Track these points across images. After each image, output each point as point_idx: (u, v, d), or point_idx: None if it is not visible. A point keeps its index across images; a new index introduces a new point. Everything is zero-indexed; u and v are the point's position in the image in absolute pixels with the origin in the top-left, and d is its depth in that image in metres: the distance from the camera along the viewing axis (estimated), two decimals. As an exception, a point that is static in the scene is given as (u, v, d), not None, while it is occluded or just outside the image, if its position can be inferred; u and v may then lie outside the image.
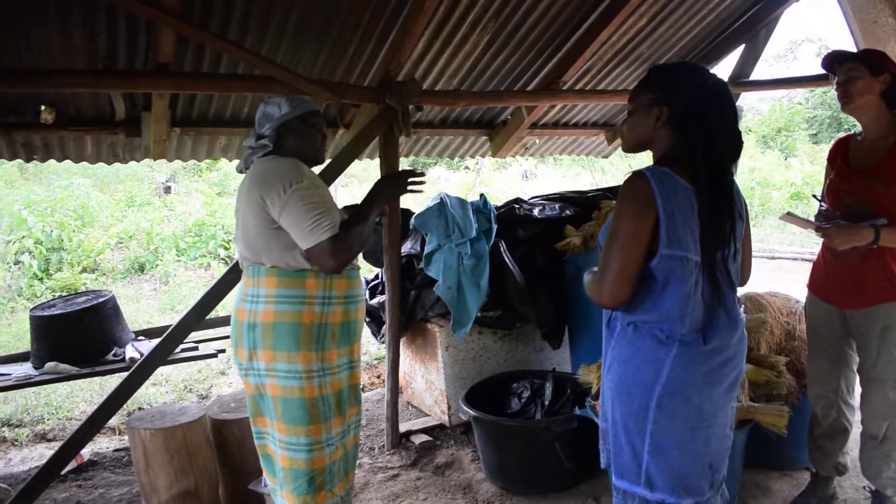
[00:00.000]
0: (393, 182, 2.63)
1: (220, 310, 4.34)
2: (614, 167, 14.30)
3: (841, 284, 2.73)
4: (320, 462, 2.34)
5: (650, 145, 1.96)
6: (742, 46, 4.53)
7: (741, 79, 4.59)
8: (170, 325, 3.46)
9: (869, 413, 2.74)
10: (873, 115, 2.64)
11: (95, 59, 3.11)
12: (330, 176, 3.55)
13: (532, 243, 3.93)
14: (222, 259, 9.76)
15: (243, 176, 2.45)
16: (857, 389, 2.88)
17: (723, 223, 1.85)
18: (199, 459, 3.06)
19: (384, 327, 4.10)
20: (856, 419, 2.92)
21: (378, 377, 5.37)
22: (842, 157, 2.78)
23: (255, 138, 2.45)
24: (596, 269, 2.05)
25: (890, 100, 2.62)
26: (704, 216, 1.81)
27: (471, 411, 3.30)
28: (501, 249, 3.73)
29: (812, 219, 2.73)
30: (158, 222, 10.61)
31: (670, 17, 4.15)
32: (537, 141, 5.47)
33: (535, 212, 4.02)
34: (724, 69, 4.84)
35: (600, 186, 4.59)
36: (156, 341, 3.42)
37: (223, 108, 3.80)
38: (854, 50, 3.17)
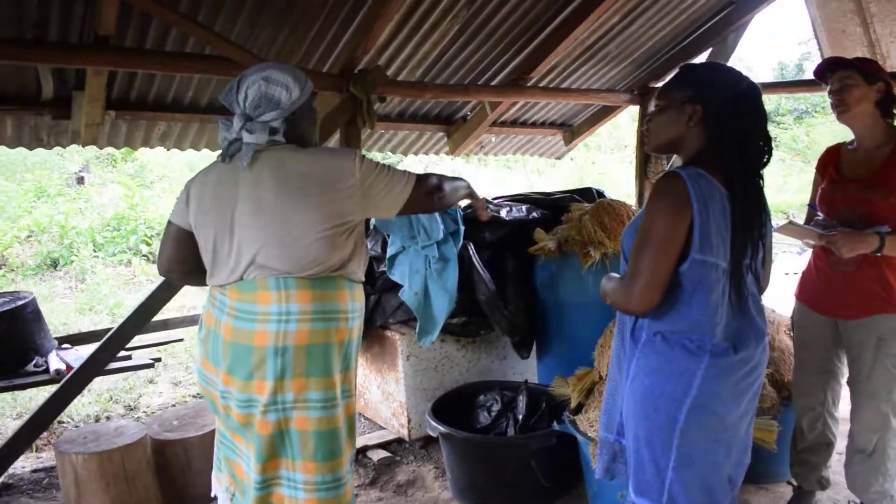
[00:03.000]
0: (474, 195, 2.41)
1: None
2: (552, 169, 14.29)
3: (835, 294, 2.64)
4: (347, 496, 2.05)
5: (679, 145, 1.87)
6: (710, 50, 4.45)
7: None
8: (96, 331, 3.10)
9: (860, 426, 2.66)
10: (868, 123, 2.57)
11: (23, 27, 2.70)
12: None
13: (500, 246, 3.71)
14: (144, 256, 9.17)
15: (222, 169, 2.04)
16: (842, 402, 2.81)
17: (754, 229, 1.78)
18: (140, 486, 2.71)
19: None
20: (839, 432, 2.84)
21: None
22: (833, 167, 2.70)
23: (259, 127, 1.96)
24: (615, 274, 2.00)
25: (884, 109, 2.55)
26: (737, 221, 1.75)
27: (440, 427, 3.05)
28: (470, 252, 3.50)
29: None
30: (73, 215, 9.89)
31: (642, 15, 4.03)
32: (493, 139, 5.29)
33: (503, 213, 3.81)
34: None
35: (548, 189, 4.42)
36: (83, 349, 3.05)
37: (165, 91, 3.43)
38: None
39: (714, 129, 1.78)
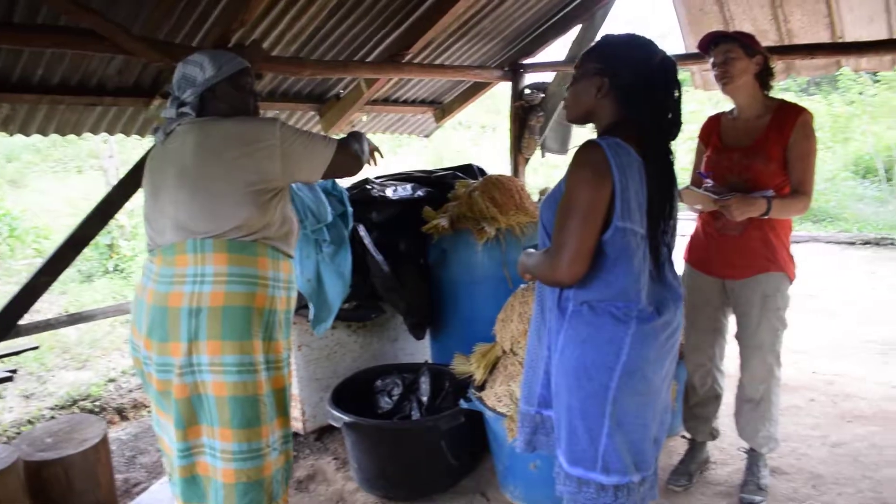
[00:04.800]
0: (364, 140, 2.39)
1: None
2: (406, 147, 14.25)
3: (724, 256, 2.80)
4: (268, 469, 2.05)
5: (593, 115, 1.89)
6: (579, 27, 4.56)
7: (577, 58, 4.60)
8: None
9: (749, 377, 2.85)
10: (749, 94, 2.72)
11: None
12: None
13: (388, 226, 3.63)
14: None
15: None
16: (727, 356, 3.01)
17: (668, 197, 1.84)
18: (17, 515, 2.40)
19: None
20: (725, 385, 3.03)
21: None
22: (716, 135, 2.85)
23: (175, 105, 2.09)
24: (532, 250, 2.02)
25: (762, 81, 2.71)
26: (653, 189, 1.78)
27: (344, 416, 2.95)
28: (361, 234, 3.39)
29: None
30: None
31: (515, -8, 4.05)
32: (364, 118, 5.16)
33: (389, 192, 3.72)
34: (561, 48, 4.86)
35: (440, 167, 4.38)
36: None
37: (10, 68, 3.02)
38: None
39: (624, 101, 1.80)
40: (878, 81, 12.92)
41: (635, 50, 1.84)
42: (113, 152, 7.78)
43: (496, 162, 4.39)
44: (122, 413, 3.99)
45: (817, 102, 13.35)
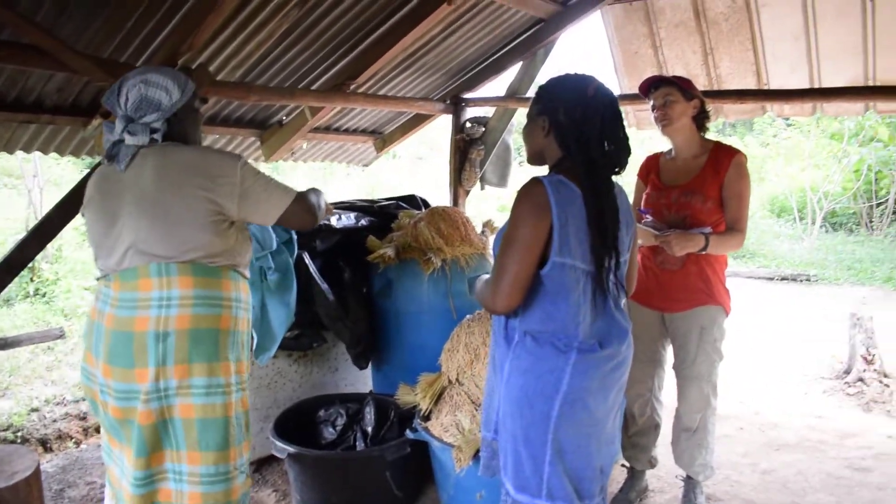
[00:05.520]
0: (322, 196, 2.39)
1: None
2: (345, 178, 14.17)
3: (663, 290, 2.89)
4: (235, 493, 2.02)
5: (544, 155, 1.98)
6: (520, 64, 4.68)
7: (518, 94, 4.73)
8: None
9: (686, 407, 2.93)
10: (686, 136, 2.85)
11: None
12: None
13: (331, 255, 3.60)
14: None
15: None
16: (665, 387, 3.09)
17: (608, 232, 1.86)
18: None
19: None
20: (664, 414, 3.12)
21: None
22: (655, 174, 2.96)
23: (140, 128, 2.01)
24: (486, 275, 2.09)
25: (699, 123, 2.85)
26: (591, 223, 1.83)
27: (289, 448, 2.89)
28: (307, 262, 3.35)
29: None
30: None
31: (462, 27, 4.14)
32: (304, 145, 5.14)
33: (333, 220, 3.70)
34: (502, 84, 4.97)
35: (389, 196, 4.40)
36: None
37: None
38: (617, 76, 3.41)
39: (560, 136, 1.89)
40: (790, 125, 13.69)
41: (568, 88, 1.91)
42: (37, 171, 7.47)
43: (432, 193, 4.44)
44: (46, 444, 3.79)
45: (734, 144, 14.01)
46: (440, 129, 14.61)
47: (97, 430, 4.19)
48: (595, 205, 1.82)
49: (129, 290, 1.96)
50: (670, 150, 2.97)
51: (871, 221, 12.04)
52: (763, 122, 14.41)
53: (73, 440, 3.95)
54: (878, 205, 11.91)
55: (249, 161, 2.12)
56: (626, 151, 1.94)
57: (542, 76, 4.68)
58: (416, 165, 15.84)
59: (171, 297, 1.94)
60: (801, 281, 8.98)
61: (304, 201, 2.17)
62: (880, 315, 5.43)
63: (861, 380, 4.68)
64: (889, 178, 11.48)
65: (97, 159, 3.51)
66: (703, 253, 2.72)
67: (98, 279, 2.08)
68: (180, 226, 1.96)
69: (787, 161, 13.68)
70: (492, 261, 3.52)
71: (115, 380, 1.94)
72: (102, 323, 1.99)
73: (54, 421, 4.02)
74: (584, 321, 1.85)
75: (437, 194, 4.66)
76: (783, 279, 9.08)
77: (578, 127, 1.85)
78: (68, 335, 5.33)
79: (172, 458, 1.98)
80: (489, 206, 12.84)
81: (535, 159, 2.02)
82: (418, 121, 5.28)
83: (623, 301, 2.02)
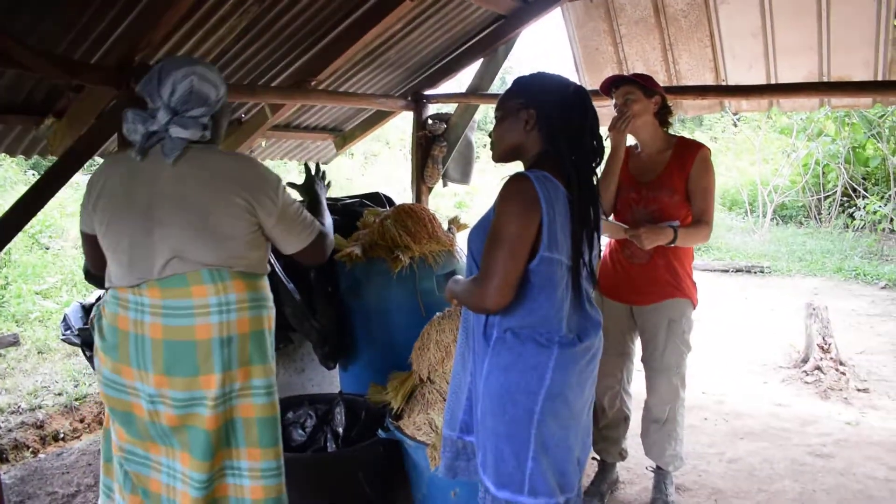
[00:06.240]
0: (321, 187, 2.49)
1: None
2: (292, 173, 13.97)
3: (632, 283, 2.92)
4: (283, 488, 2.13)
5: (520, 151, 1.96)
6: (481, 60, 4.67)
7: (479, 90, 4.73)
8: None
9: (656, 399, 2.97)
10: (650, 132, 2.89)
11: None
12: (56, 182, 2.80)
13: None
14: None
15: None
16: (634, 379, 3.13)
17: (591, 226, 1.91)
18: None
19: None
20: (633, 406, 3.15)
21: (81, 421, 4.42)
22: (625, 167, 2.98)
23: (191, 122, 1.91)
24: (460, 277, 2.08)
25: (661, 118, 2.89)
26: (575, 219, 1.84)
27: (258, 451, 2.83)
28: (272, 262, 3.28)
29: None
30: None
31: (423, 24, 4.11)
32: (263, 144, 5.05)
33: (297, 220, 3.64)
34: (463, 81, 4.97)
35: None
36: None
37: None
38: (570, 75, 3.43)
39: (547, 130, 1.87)
40: (740, 120, 14.00)
41: (550, 83, 1.95)
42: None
43: (386, 189, 4.39)
44: (2, 455, 3.65)
45: (686, 139, 14.27)
46: (392, 126, 14.57)
47: (55, 439, 4.06)
48: (582, 199, 1.84)
49: (180, 298, 1.91)
50: (636, 144, 2.99)
51: (819, 214, 12.38)
52: (712, 117, 14.71)
53: (31, 449, 3.82)
54: (826, 198, 12.25)
55: (285, 187, 2.09)
56: (602, 147, 1.97)
57: (504, 73, 4.68)
58: (370, 163, 15.76)
59: (229, 301, 1.94)
60: (755, 273, 9.19)
61: (323, 240, 2.18)
62: (833, 304, 5.59)
63: (818, 368, 4.80)
64: (836, 171, 11.81)
65: (52, 160, 3.40)
66: (672, 246, 2.75)
67: (118, 287, 1.97)
68: (229, 241, 1.94)
69: (737, 156, 14.00)
70: (460, 258, 3.54)
71: (176, 389, 1.92)
72: (144, 334, 1.92)
73: (10, 431, 3.88)
74: (566, 316, 1.86)
75: (390, 190, 4.61)
76: (737, 271, 9.28)
77: (568, 120, 1.86)
78: (22, 342, 5.16)
79: (230, 455, 2.03)
80: (447, 202, 12.84)
81: (507, 155, 1.99)
82: (379, 118, 5.23)
83: (593, 294, 2.05)
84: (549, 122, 1.87)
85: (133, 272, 1.93)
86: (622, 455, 3.18)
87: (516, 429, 1.84)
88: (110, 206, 1.96)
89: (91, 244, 2.09)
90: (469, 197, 13.11)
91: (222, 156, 2.01)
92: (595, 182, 1.93)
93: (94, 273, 2.21)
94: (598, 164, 1.96)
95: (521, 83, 1.98)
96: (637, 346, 3.09)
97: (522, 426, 1.84)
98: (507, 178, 1.85)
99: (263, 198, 1.97)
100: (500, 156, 2.00)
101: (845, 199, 11.96)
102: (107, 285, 2.03)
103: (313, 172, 2.60)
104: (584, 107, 1.90)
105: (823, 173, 12.14)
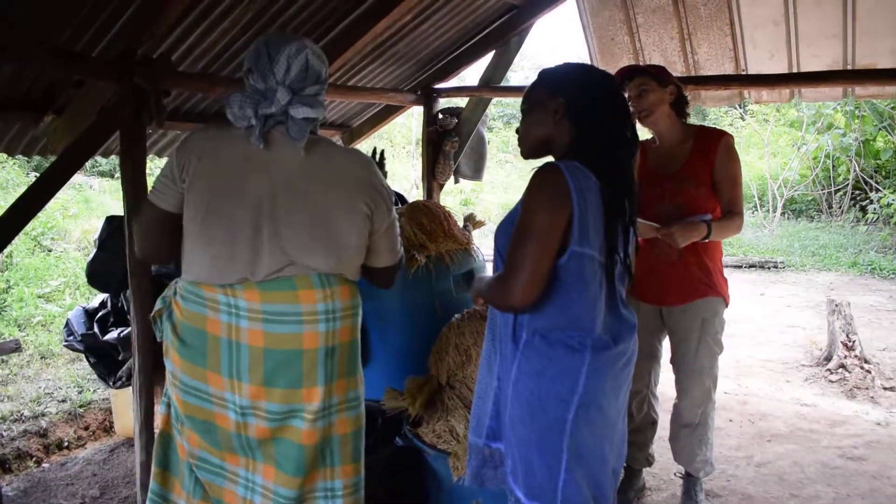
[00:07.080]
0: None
1: None
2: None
3: (662, 283, 2.80)
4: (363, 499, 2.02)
5: (551, 143, 1.86)
6: (493, 52, 4.54)
7: (492, 83, 4.60)
8: None
9: (687, 402, 2.85)
10: (668, 123, 2.77)
11: None
12: (56, 181, 2.68)
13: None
14: None
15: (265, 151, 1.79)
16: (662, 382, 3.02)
17: (625, 219, 1.80)
18: None
19: (123, 369, 3.27)
20: (660, 410, 3.03)
21: (86, 429, 4.30)
22: (643, 162, 2.85)
23: (315, 101, 1.75)
24: (484, 275, 2.05)
25: (678, 109, 2.77)
26: (608, 212, 1.74)
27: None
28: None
29: None
30: None
31: (433, 15, 3.98)
32: (269, 141, 4.93)
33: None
34: (475, 74, 4.84)
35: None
36: None
37: None
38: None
39: (577, 118, 1.78)
40: (747, 112, 13.86)
41: (577, 70, 1.88)
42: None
43: (396, 188, 4.31)
44: (4, 465, 3.53)
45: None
46: (397, 124, 14.46)
47: (59, 448, 3.94)
48: (615, 192, 1.74)
49: (285, 303, 1.76)
50: (653, 137, 2.87)
51: (830, 208, 12.23)
52: (719, 110, 14.55)
53: (34, 459, 3.70)
54: (837, 191, 12.10)
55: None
56: (636, 136, 1.87)
57: (517, 65, 4.55)
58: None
59: (336, 308, 1.83)
60: (769, 268, 9.05)
61: (399, 267, 2.10)
62: (850, 300, 5.45)
63: (843, 366, 4.67)
64: (846, 164, 11.66)
65: (51, 159, 3.28)
66: (705, 241, 2.62)
67: (204, 284, 1.79)
68: (345, 250, 1.84)
69: (744, 149, 13.84)
70: (477, 257, 3.41)
71: (273, 401, 1.79)
72: (241, 341, 1.77)
73: (12, 439, 3.76)
74: (600, 315, 1.76)
75: (397, 189, 4.48)
76: (751, 266, 9.14)
77: (598, 108, 1.78)
78: (24, 347, 5.05)
79: (326, 475, 1.91)
80: (452, 199, 12.71)
81: (536, 150, 1.89)
82: (387, 113, 5.11)
83: (624, 294, 1.93)
84: (579, 109, 1.78)
85: (232, 270, 1.75)
86: (649, 461, 3.06)
87: (547, 438, 1.74)
88: (215, 188, 1.76)
89: (162, 224, 1.86)
90: (474, 194, 12.98)
91: (345, 152, 1.92)
92: (631, 172, 1.82)
93: (146, 259, 2.13)
94: (634, 152, 1.85)
95: (547, 73, 1.90)
96: (664, 348, 2.96)
97: (554, 436, 1.74)
98: (536, 168, 1.75)
99: (382, 205, 1.89)
100: (530, 150, 1.91)
101: (857, 192, 11.81)
102: (186, 278, 1.82)
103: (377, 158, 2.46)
104: (612, 93, 1.82)
105: (834, 167, 11.99)
